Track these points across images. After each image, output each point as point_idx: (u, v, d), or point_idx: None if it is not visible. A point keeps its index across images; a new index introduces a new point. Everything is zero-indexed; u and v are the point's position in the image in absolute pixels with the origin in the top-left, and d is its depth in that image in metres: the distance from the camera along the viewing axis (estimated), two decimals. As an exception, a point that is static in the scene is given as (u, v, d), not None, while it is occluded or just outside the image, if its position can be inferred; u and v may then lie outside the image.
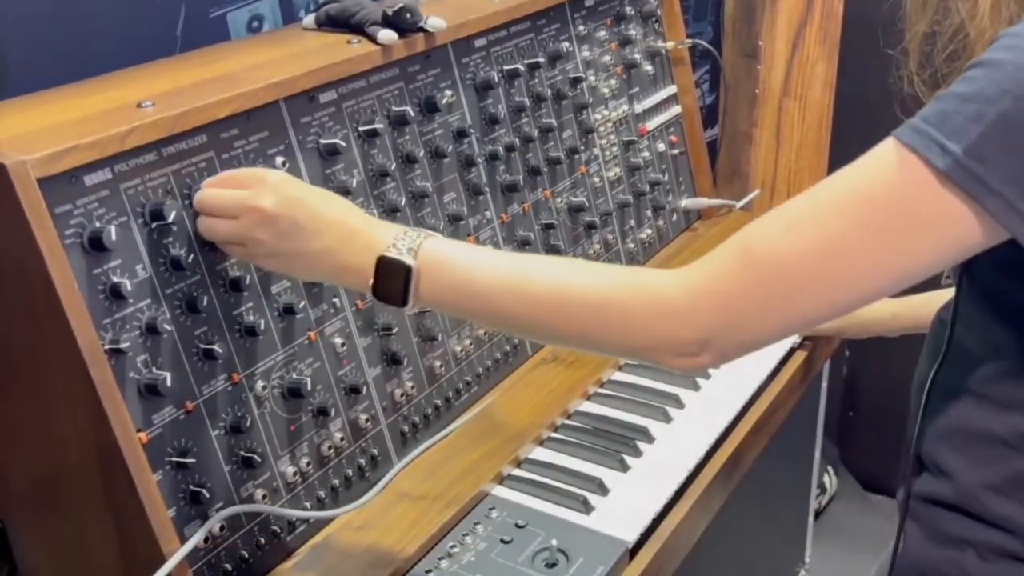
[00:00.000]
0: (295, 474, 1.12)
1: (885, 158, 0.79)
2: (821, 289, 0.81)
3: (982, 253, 0.81)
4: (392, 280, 0.90)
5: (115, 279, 0.96)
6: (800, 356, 1.53)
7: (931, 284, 1.02)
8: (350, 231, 0.93)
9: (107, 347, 0.95)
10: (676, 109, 1.84)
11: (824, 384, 1.90)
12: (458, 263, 0.91)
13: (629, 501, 1.20)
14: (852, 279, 0.80)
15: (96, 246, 0.94)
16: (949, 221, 0.77)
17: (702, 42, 1.93)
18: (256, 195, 0.95)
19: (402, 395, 1.26)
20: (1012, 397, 0.90)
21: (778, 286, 0.81)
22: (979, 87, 0.76)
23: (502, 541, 1.12)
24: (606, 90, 1.67)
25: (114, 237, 0.95)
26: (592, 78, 1.64)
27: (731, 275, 0.83)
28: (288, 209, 0.93)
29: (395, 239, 0.91)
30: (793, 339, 1.54)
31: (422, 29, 1.29)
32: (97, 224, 0.95)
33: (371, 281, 0.91)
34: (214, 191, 1.00)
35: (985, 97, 0.75)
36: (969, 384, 0.93)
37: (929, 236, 0.78)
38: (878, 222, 0.79)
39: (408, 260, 0.89)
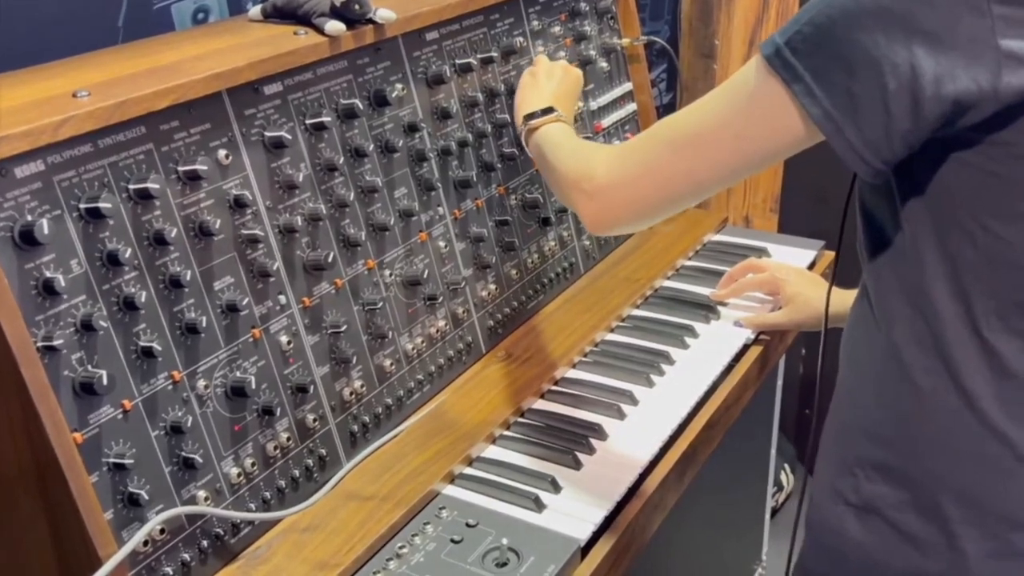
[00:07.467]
0: (239, 475, 1.09)
1: (749, 63, 0.97)
2: (687, 160, 1.01)
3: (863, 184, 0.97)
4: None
5: (48, 274, 0.93)
6: (755, 352, 1.52)
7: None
8: None
9: (39, 344, 0.92)
10: (631, 106, 1.83)
11: (780, 381, 1.90)
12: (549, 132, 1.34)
13: (582, 499, 1.19)
14: (709, 157, 0.99)
15: (28, 240, 0.92)
16: (773, 104, 0.92)
17: (658, 39, 1.92)
18: None
19: (351, 394, 1.24)
20: (882, 319, 0.99)
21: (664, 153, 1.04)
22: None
23: (452, 541, 1.10)
24: (560, 86, 1.65)
25: (46, 231, 0.92)
26: (546, 73, 1.62)
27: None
28: None
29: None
30: (747, 335, 1.53)
31: (371, 21, 1.27)
32: (29, 217, 0.92)
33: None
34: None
35: (807, 7, 0.91)
36: (863, 326, 1.03)
37: (763, 119, 0.94)
38: (733, 107, 0.96)
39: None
